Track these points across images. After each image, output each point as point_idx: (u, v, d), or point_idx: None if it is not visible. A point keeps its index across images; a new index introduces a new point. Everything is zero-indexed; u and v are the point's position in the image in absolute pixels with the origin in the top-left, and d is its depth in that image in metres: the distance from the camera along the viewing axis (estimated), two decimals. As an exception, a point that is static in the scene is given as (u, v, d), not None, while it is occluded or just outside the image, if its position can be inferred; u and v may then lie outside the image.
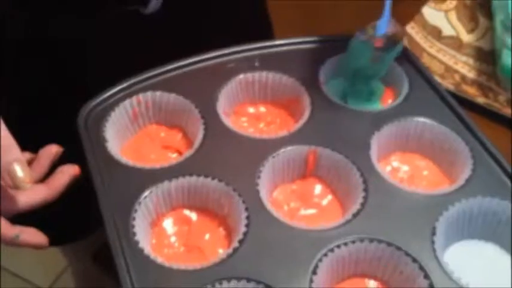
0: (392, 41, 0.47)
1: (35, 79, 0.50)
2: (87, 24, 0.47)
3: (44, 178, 0.40)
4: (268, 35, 0.59)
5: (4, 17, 0.45)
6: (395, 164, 0.47)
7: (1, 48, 0.47)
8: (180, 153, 0.45)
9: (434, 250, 0.38)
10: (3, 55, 0.47)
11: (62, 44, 0.48)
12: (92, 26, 0.48)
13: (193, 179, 0.41)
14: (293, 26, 0.63)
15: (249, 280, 0.37)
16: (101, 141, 0.43)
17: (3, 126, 0.36)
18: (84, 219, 0.53)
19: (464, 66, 0.58)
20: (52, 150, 0.40)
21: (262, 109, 0.49)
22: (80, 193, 0.41)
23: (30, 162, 0.39)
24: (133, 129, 0.46)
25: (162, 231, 0.40)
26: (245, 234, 0.39)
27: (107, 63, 0.49)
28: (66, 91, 0.50)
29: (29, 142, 0.40)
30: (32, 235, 0.38)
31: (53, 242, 0.40)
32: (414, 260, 0.38)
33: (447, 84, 0.56)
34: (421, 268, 0.37)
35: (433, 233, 0.39)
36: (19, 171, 0.35)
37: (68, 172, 0.40)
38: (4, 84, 0.48)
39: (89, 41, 0.49)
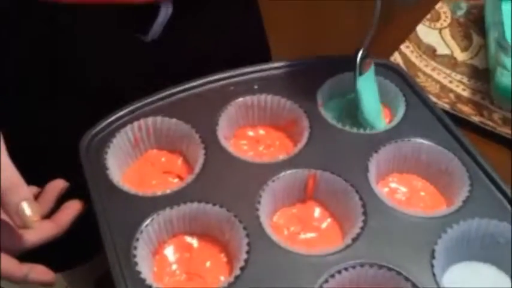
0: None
1: (36, 103, 0.51)
2: (88, 49, 0.48)
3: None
4: (265, 57, 0.60)
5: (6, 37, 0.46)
6: (393, 185, 0.47)
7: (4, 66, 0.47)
8: (180, 178, 0.46)
9: (434, 275, 0.39)
10: (6, 74, 0.48)
11: (61, 68, 0.48)
12: (92, 49, 0.48)
13: (194, 205, 0.42)
14: (290, 46, 0.63)
15: (251, 307, 0.37)
16: (102, 169, 0.43)
17: (11, 164, 0.36)
18: (84, 246, 0.53)
19: (459, 85, 0.59)
20: (59, 185, 0.41)
21: (262, 132, 0.50)
22: (80, 219, 0.41)
23: (36, 196, 0.40)
24: (135, 155, 0.47)
25: (164, 259, 0.41)
26: (246, 261, 0.39)
27: (105, 87, 0.50)
28: (66, 114, 0.51)
29: (29, 161, 0.40)
30: (41, 273, 0.38)
31: (53, 268, 0.40)
32: (414, 285, 0.38)
33: (443, 103, 0.57)
34: (421, 293, 0.38)
35: (433, 257, 0.40)
36: (27, 210, 0.36)
37: (74, 208, 0.40)
38: (5, 101, 0.48)
39: (88, 66, 0.49)
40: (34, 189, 0.40)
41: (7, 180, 0.35)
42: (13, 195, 0.35)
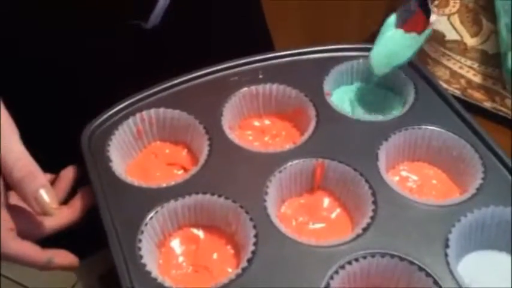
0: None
1: (37, 95, 0.50)
2: (88, 38, 0.47)
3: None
4: (268, 46, 0.59)
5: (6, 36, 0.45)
6: (404, 173, 0.46)
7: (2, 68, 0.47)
8: (185, 169, 0.45)
9: (448, 263, 0.37)
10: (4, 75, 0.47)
11: (62, 59, 0.48)
12: (93, 40, 0.47)
13: (200, 197, 0.41)
14: (292, 36, 0.62)
15: (259, 300, 0.36)
16: (105, 162, 0.43)
17: (27, 153, 0.36)
18: (90, 238, 0.52)
19: (470, 71, 0.58)
20: (73, 172, 0.40)
21: (267, 122, 0.49)
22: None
23: (51, 183, 0.39)
24: (138, 147, 0.46)
25: (170, 252, 0.40)
26: (254, 252, 0.38)
27: (107, 78, 0.49)
28: (67, 106, 0.50)
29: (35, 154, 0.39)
30: (64, 257, 0.38)
31: None
32: (428, 275, 0.37)
33: (453, 89, 0.55)
34: (436, 283, 0.36)
35: (446, 246, 0.38)
36: (46, 197, 0.35)
37: (90, 194, 0.40)
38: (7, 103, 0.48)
39: (89, 55, 0.48)
40: (49, 176, 0.40)
41: (24, 169, 0.35)
42: (31, 183, 0.35)
